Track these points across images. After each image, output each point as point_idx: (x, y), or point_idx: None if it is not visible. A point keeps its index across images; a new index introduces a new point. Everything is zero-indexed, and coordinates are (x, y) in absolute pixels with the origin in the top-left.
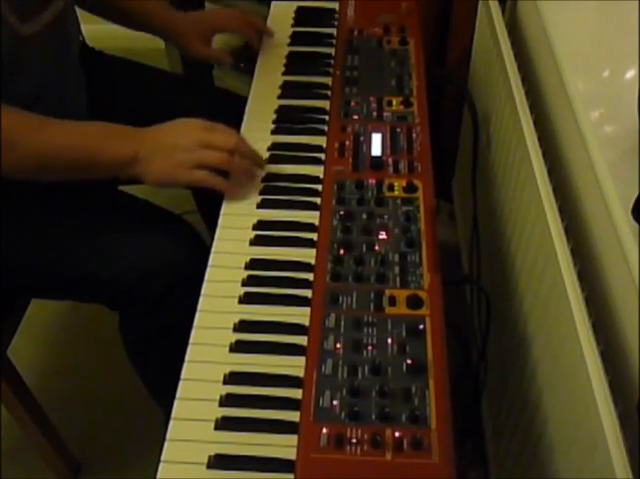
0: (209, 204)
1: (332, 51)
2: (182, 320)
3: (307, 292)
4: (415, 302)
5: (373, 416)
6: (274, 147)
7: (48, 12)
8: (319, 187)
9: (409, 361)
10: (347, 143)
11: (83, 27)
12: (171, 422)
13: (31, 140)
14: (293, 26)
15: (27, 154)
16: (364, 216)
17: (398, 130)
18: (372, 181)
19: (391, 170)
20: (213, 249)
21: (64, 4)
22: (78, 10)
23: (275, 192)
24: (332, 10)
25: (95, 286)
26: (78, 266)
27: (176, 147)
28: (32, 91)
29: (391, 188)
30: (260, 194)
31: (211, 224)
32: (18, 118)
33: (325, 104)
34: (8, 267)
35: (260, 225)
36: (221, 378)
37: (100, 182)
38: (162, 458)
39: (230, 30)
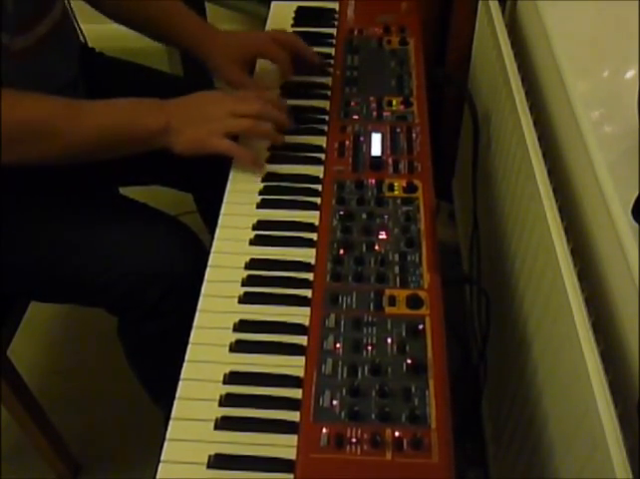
0: (209, 204)
1: (332, 51)
2: (181, 323)
3: (307, 292)
4: (415, 302)
5: (373, 416)
6: (274, 147)
7: (42, 25)
8: (319, 187)
9: (409, 361)
10: (347, 143)
11: (83, 27)
12: (171, 422)
13: (72, 128)
14: (293, 26)
15: (69, 142)
16: (364, 216)
17: (398, 130)
18: (372, 181)
19: (391, 170)
20: (213, 249)
21: (60, 15)
22: (77, 10)
23: (275, 192)
24: (332, 10)
25: (93, 290)
26: (76, 271)
27: (206, 116)
28: None
29: (391, 188)
30: (260, 194)
31: (211, 224)
32: (57, 107)
33: (325, 104)
34: (6, 272)
35: (260, 225)
36: (221, 378)
37: (99, 185)
38: (162, 458)
39: (269, 57)
